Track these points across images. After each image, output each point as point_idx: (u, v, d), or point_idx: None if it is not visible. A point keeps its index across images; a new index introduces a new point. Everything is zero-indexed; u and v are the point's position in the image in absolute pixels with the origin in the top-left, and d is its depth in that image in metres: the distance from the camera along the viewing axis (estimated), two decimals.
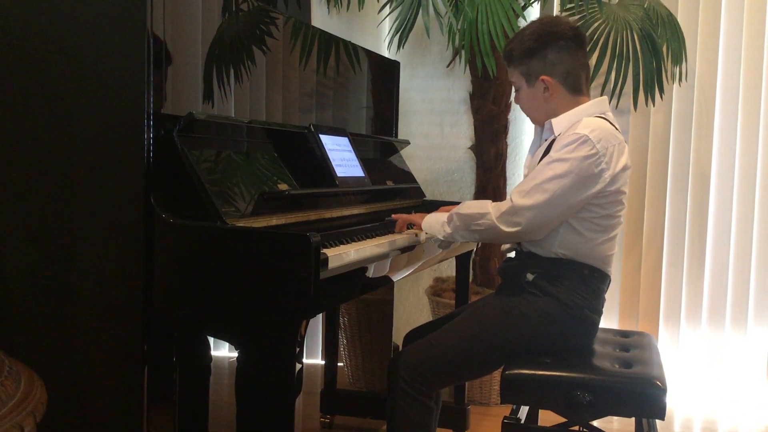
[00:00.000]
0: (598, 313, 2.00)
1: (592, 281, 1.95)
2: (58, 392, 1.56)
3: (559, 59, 1.96)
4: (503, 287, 2.08)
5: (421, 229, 2.08)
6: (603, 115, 1.96)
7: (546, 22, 2.04)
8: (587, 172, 1.83)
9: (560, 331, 1.95)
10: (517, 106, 2.26)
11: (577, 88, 2.00)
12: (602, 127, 1.88)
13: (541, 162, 1.89)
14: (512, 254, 2.14)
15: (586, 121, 1.90)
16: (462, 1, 2.79)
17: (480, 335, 1.94)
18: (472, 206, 1.94)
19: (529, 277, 1.95)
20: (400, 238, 1.99)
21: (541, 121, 2.03)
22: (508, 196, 1.92)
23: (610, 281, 2.02)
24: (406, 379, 1.89)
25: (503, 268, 2.09)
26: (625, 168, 1.91)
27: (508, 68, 2.06)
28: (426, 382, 1.89)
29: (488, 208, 1.89)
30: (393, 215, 2.16)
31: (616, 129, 1.94)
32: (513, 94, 2.16)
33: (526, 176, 2.03)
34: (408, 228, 2.13)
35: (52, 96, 1.69)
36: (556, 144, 1.89)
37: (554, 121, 1.98)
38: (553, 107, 1.98)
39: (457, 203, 2.45)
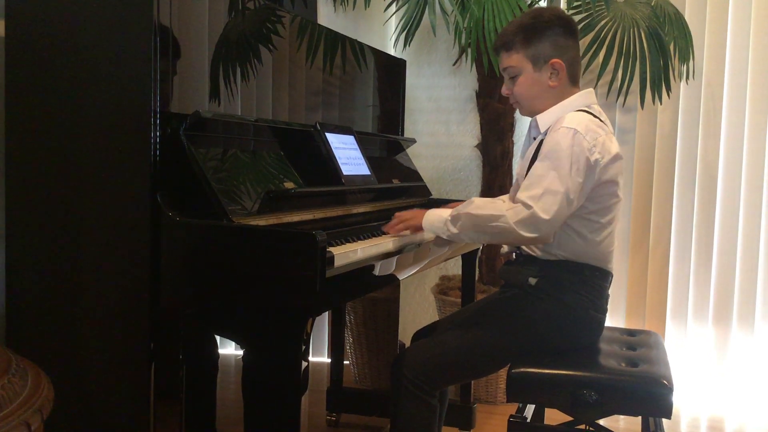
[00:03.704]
0: (603, 311, 1.99)
1: (594, 281, 1.94)
2: (65, 390, 1.57)
3: (567, 44, 1.95)
4: (507, 289, 2.07)
5: (420, 230, 1.97)
6: (588, 108, 1.94)
7: (547, 8, 2.03)
8: (587, 163, 1.82)
9: (566, 333, 1.94)
10: None
11: (576, 79, 1.99)
12: (586, 120, 1.86)
13: (539, 163, 1.85)
14: (512, 256, 2.12)
15: (570, 116, 1.87)
16: None
17: (484, 337, 1.93)
18: (484, 206, 1.86)
19: (532, 281, 1.94)
20: (404, 238, 1.98)
21: (538, 111, 1.98)
22: (516, 199, 1.85)
23: (612, 277, 2.01)
24: (409, 377, 1.89)
25: (504, 271, 2.08)
26: (616, 157, 1.88)
27: (506, 53, 1.98)
28: (429, 381, 1.89)
29: (503, 210, 1.81)
30: (396, 213, 2.03)
31: (602, 121, 1.92)
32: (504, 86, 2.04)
33: (517, 178, 2.00)
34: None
35: (59, 94, 1.70)
36: (547, 142, 1.87)
37: (539, 117, 1.97)
38: (553, 95, 1.95)
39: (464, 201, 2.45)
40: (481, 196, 3.37)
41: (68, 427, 1.70)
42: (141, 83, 1.61)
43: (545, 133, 1.92)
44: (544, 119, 1.96)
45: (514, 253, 2.07)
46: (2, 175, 1.77)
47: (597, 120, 1.90)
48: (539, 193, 1.80)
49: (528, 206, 1.79)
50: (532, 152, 1.95)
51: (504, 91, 2.04)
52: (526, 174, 1.91)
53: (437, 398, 1.93)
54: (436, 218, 1.92)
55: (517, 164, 2.13)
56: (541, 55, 1.93)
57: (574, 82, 1.98)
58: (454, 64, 3.50)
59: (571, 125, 1.83)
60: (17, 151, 1.75)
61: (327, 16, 3.36)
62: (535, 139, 2.00)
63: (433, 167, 3.59)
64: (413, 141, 2.97)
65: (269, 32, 2.09)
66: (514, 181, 2.15)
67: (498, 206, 1.85)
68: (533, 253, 1.98)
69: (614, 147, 1.89)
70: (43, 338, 1.74)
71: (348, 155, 2.26)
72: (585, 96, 1.98)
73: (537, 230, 1.79)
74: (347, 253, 1.65)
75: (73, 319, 1.71)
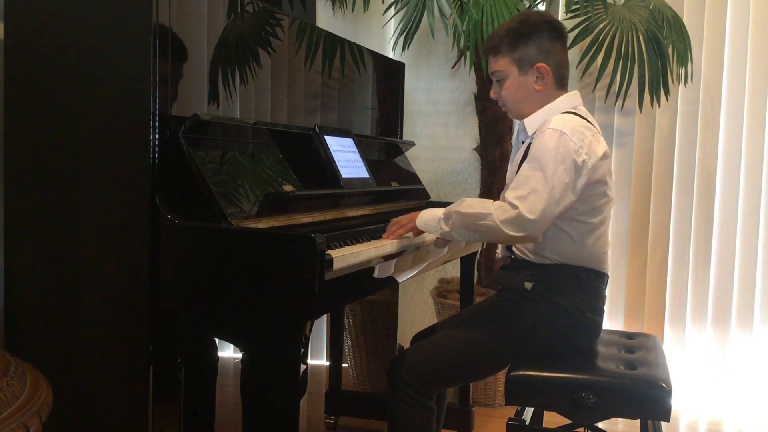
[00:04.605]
0: (600, 313, 1.99)
1: (589, 283, 1.95)
2: (63, 392, 1.57)
3: (553, 48, 1.96)
4: (504, 293, 2.07)
5: (416, 235, 2.00)
6: (574, 110, 1.95)
7: (534, 11, 2.04)
8: (574, 164, 1.82)
9: (564, 336, 1.94)
10: None
11: (563, 83, 2.00)
12: (572, 122, 1.87)
13: (526, 165, 1.86)
14: (508, 261, 2.12)
15: (557, 118, 1.88)
16: (467, 2, 2.79)
17: (482, 340, 1.94)
18: (473, 205, 1.88)
19: (527, 285, 1.94)
20: (404, 240, 1.99)
21: (525, 115, 1.99)
22: (504, 198, 1.87)
23: (608, 279, 2.02)
24: (407, 380, 1.89)
25: (501, 276, 2.08)
26: (604, 157, 1.89)
27: (493, 57, 2.00)
28: (427, 384, 1.89)
29: (490, 208, 1.83)
30: (392, 219, 2.03)
31: (589, 122, 1.92)
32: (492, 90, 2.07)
33: (507, 182, 2.02)
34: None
35: (58, 97, 1.70)
36: (534, 145, 1.87)
37: (526, 121, 1.98)
38: (539, 98, 1.97)
39: None
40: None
41: (67, 430, 1.70)
42: (140, 86, 1.61)
43: (533, 136, 1.93)
44: (531, 122, 1.97)
45: (509, 258, 2.07)
46: (1, 177, 1.77)
47: (583, 121, 1.91)
48: (525, 194, 1.81)
49: (514, 206, 1.81)
50: (521, 156, 1.96)
51: (492, 94, 2.06)
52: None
53: (434, 401, 1.93)
54: (429, 217, 1.95)
55: (508, 169, 2.14)
56: (527, 58, 1.95)
57: (561, 86, 1.99)
58: (452, 67, 3.50)
59: (558, 127, 1.84)
60: (17, 153, 1.75)
61: (326, 19, 3.37)
62: (523, 143, 2.01)
63: (432, 170, 3.59)
64: (412, 144, 2.97)
65: (268, 35, 2.09)
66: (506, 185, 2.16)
67: (486, 205, 1.86)
68: (527, 258, 1.98)
69: (601, 147, 1.89)
70: (42, 341, 1.74)
71: (347, 158, 2.26)
72: (571, 98, 1.99)
73: (523, 230, 1.81)
74: (346, 256, 1.65)
75: (72, 321, 1.71)
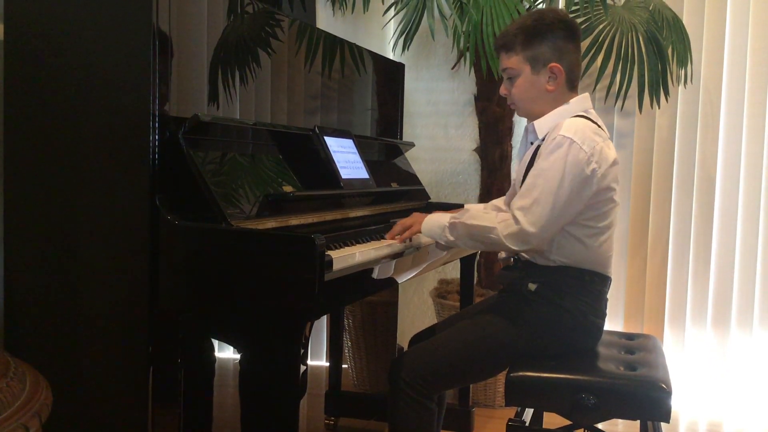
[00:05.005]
0: (602, 316, 1.99)
1: (593, 286, 1.94)
2: (63, 393, 1.57)
3: (567, 49, 1.94)
4: (506, 294, 2.07)
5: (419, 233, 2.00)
6: (585, 114, 1.93)
7: (549, 9, 2.02)
8: (581, 175, 1.81)
9: (565, 338, 1.94)
10: None
11: (574, 84, 1.99)
12: (584, 127, 1.85)
13: (533, 172, 1.85)
14: (510, 262, 2.11)
15: (568, 123, 1.86)
16: (467, 2, 2.79)
17: (483, 341, 1.93)
18: (478, 218, 1.88)
19: (531, 287, 1.94)
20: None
21: (535, 114, 1.98)
22: (509, 209, 1.87)
23: (610, 282, 2.01)
24: (407, 381, 1.89)
25: (503, 276, 2.08)
26: (614, 163, 1.88)
27: (505, 54, 1.97)
28: (427, 385, 1.89)
29: (495, 223, 1.83)
30: (398, 221, 2.04)
31: (599, 126, 1.91)
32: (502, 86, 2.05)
33: (513, 182, 2.01)
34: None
35: (58, 98, 1.70)
36: (543, 151, 1.86)
37: (536, 123, 1.96)
38: (550, 99, 1.95)
39: (462, 206, 2.45)
40: (480, 200, 3.38)
41: (67, 431, 1.70)
42: (140, 86, 1.61)
43: (543, 139, 1.92)
44: (541, 125, 1.95)
45: (512, 259, 2.07)
46: (1, 177, 1.77)
47: (594, 126, 1.89)
48: (528, 204, 1.81)
49: (516, 221, 1.81)
50: (529, 156, 1.95)
51: (502, 91, 2.04)
52: (523, 179, 1.92)
53: (435, 402, 1.93)
54: (435, 224, 1.96)
55: (514, 168, 2.13)
56: (540, 58, 1.93)
57: (572, 87, 1.98)
58: (452, 68, 3.50)
59: (568, 134, 1.82)
60: (16, 154, 1.75)
61: (326, 20, 3.37)
62: (532, 143, 2.00)
63: (432, 171, 3.59)
64: (412, 144, 2.97)
65: (268, 36, 2.09)
66: (512, 184, 2.16)
67: (491, 218, 1.87)
68: (531, 259, 1.97)
69: (612, 153, 1.88)
70: (41, 342, 1.74)
71: (347, 159, 2.26)
72: (582, 101, 1.97)
73: (527, 243, 1.83)
74: (346, 257, 1.65)
75: (72, 322, 1.71)
